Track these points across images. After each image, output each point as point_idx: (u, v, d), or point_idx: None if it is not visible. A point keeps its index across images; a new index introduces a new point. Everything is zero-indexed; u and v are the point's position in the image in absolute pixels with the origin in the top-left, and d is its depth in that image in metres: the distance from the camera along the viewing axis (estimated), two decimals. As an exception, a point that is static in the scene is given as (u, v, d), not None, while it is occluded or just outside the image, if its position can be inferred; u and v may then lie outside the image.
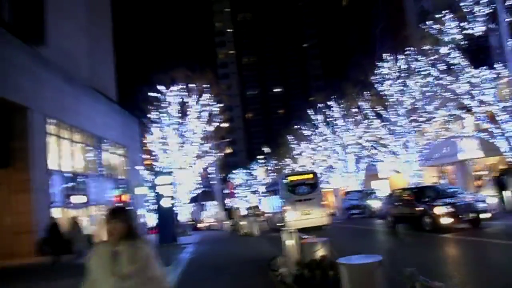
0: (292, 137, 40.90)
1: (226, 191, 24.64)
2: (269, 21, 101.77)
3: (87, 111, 22.56)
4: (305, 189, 14.76)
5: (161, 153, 23.73)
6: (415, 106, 23.21)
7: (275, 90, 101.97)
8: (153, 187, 16.60)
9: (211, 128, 24.34)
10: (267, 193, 21.43)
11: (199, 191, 39.05)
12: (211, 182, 31.74)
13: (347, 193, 26.02)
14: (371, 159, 28.61)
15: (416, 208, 11.28)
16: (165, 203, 16.34)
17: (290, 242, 6.47)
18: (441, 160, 25.77)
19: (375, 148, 27.15)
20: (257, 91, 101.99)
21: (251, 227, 17.59)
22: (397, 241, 11.19)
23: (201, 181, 28.93)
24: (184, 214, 51.39)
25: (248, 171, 61.01)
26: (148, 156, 25.35)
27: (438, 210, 10.37)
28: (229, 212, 42.01)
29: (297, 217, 15.01)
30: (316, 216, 15.11)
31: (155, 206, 16.69)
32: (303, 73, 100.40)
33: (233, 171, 64.60)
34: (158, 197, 16.41)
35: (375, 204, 21.00)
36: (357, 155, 33.13)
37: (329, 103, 33.70)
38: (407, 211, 11.90)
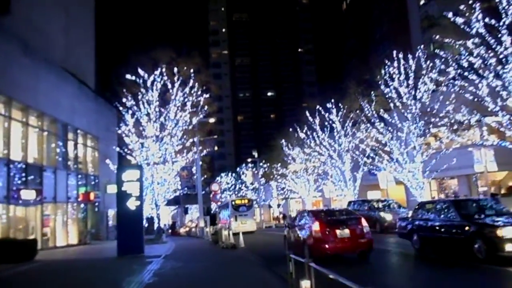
0: (285, 141, 38.06)
1: (212, 193, 21.30)
2: (265, 23, 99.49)
3: (50, 91, 19.32)
4: (244, 208, 20.89)
5: (137, 146, 20.49)
6: (425, 110, 20.58)
7: (267, 94, 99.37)
8: (118, 183, 13.38)
9: (195, 121, 21.20)
10: (221, 208, 30.00)
11: (181, 193, 36.10)
12: (193, 184, 28.52)
13: (351, 202, 22.68)
14: (371, 166, 25.83)
15: (464, 228, 8.29)
16: (131, 204, 13.19)
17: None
18: (445, 173, 23.23)
19: (376, 155, 24.44)
20: (249, 94, 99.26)
21: (235, 237, 14.58)
22: (436, 275, 7.87)
23: (183, 181, 25.74)
24: (163, 217, 48.30)
25: (236, 175, 57.92)
26: (125, 150, 22.05)
27: (502, 232, 7.35)
28: (213, 218, 38.89)
29: (238, 225, 22.06)
30: (249, 225, 22.35)
31: (119, 208, 13.48)
32: (297, 78, 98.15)
33: (221, 174, 61.46)
34: (123, 196, 13.25)
35: (389, 217, 17.96)
36: (355, 162, 30.46)
37: (327, 105, 31.09)
38: (447, 231, 8.98)
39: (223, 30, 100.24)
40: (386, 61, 23.00)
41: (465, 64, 16.33)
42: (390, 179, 25.95)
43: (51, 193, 19.20)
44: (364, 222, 10.30)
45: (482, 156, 18.28)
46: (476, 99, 16.14)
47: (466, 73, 16.13)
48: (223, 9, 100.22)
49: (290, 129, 37.98)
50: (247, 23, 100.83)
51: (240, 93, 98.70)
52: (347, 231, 9.77)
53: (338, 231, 9.75)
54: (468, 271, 7.68)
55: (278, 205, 48.19)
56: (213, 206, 41.90)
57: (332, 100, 30.80)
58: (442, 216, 9.39)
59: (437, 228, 9.44)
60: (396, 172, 23.15)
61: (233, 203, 19.23)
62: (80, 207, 23.33)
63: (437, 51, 16.98)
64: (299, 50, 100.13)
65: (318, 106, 32.02)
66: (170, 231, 40.78)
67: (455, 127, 18.18)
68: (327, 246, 9.53)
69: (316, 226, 9.87)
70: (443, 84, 18.09)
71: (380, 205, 19.49)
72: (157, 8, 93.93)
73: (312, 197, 39.57)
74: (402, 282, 7.80)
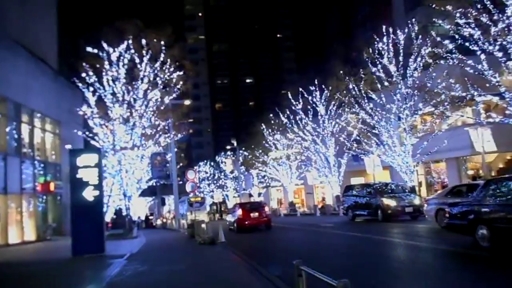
0: (266, 127, 36.20)
1: (190, 178, 19.11)
2: (243, 8, 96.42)
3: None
4: (197, 205, 21.27)
5: (101, 130, 18.09)
6: (419, 86, 19.10)
7: (246, 80, 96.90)
8: (72, 170, 11.14)
9: (168, 100, 18.91)
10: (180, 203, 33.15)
11: (156, 182, 33.75)
12: (168, 173, 26.32)
13: (348, 188, 20.33)
14: (359, 151, 24.34)
15: None
16: (88, 194, 11.01)
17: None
18: (433, 156, 22.00)
19: (363, 138, 22.96)
20: (227, 81, 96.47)
21: (213, 230, 12.68)
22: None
23: (156, 169, 23.48)
24: (138, 209, 45.76)
25: (215, 164, 55.75)
26: (88, 135, 19.58)
27: None
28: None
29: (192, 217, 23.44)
30: (202, 217, 21.76)
31: (73, 198, 11.26)
32: (276, 65, 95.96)
33: (199, 163, 59.15)
34: (78, 185, 11.05)
35: (392, 203, 15.51)
36: (340, 147, 29.00)
37: (310, 88, 29.38)
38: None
39: (200, 14, 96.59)
40: (375, 37, 21.46)
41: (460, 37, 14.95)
42: (377, 164, 24.59)
43: (0, 183, 16.66)
44: (266, 208, 19.31)
45: (478, 136, 16.95)
46: (476, 73, 14.74)
47: (466, 44, 14.64)
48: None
49: (271, 115, 36.22)
50: (225, 8, 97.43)
51: (218, 80, 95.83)
52: (256, 213, 17.56)
53: (251, 214, 17.50)
54: None
55: (259, 194, 46.48)
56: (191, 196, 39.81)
57: (316, 82, 29.24)
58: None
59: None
60: (385, 156, 21.76)
61: (189, 200, 22.17)
62: (38, 199, 20.79)
63: (435, 20, 15.32)
64: (278, 36, 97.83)
65: (300, 89, 30.36)
66: (144, 223, 38.51)
67: (449, 105, 16.80)
68: (246, 222, 17.28)
69: (240, 212, 17.76)
70: (436, 61, 16.61)
71: (382, 189, 17.08)
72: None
73: (294, 185, 38.08)
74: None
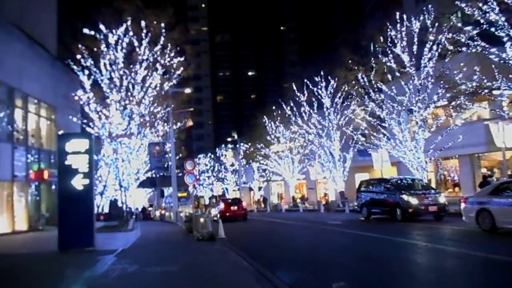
0: (268, 120, 35.16)
1: (189, 169, 18.10)
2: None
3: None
4: (184, 200, 27.22)
5: (96, 116, 17.08)
6: (435, 76, 18.00)
7: (248, 73, 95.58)
8: (60, 156, 10.17)
9: (167, 87, 17.85)
10: (168, 197, 36.35)
11: (155, 173, 32.79)
12: (166, 164, 25.36)
13: (364, 183, 18.29)
14: (368, 144, 23.31)
15: None
16: (77, 182, 10.04)
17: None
18: (446, 153, 20.93)
19: (373, 131, 21.92)
20: (229, 73, 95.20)
21: (213, 226, 11.74)
22: None
23: (154, 160, 22.51)
24: (137, 200, 44.89)
25: (215, 156, 54.74)
26: (84, 121, 18.59)
27: None
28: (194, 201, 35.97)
29: (181, 209, 25.16)
30: (188, 210, 23.99)
31: (61, 187, 10.30)
32: (279, 57, 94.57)
33: (199, 156, 58.19)
34: (66, 172, 10.08)
35: (414, 201, 13.74)
36: (345, 141, 28.00)
37: (315, 79, 28.30)
38: None
39: (203, 5, 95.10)
40: (388, 25, 20.33)
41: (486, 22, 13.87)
42: (385, 159, 23.54)
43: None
44: (243, 203, 24.79)
45: (499, 130, 15.89)
46: (502, 61, 13.68)
47: (492, 30, 13.55)
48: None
49: (274, 107, 35.18)
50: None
51: (220, 72, 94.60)
52: (236, 207, 22.93)
53: (231, 207, 22.82)
54: None
55: (260, 188, 45.57)
56: (191, 189, 38.92)
57: (321, 73, 28.16)
58: None
59: None
60: (396, 151, 20.74)
61: (179, 195, 25.67)
62: (31, 187, 19.86)
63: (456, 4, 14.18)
64: (282, 28, 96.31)
65: (305, 80, 29.30)
66: (141, 215, 37.67)
67: (468, 96, 15.71)
68: (227, 214, 21.87)
69: (222, 205, 23.31)
70: (458, 48, 15.47)
71: (402, 185, 15.30)
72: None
73: (296, 180, 37.11)
74: None
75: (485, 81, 14.12)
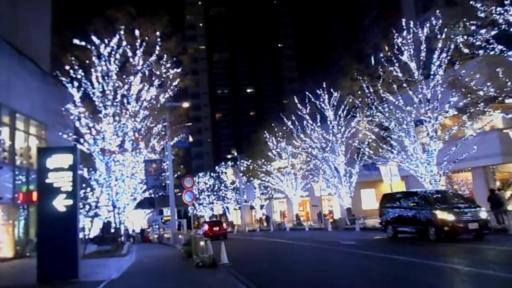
0: (268, 135, 34.09)
1: (187, 186, 16.73)
2: (244, 17, 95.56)
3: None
4: (170, 223, 25.29)
5: (87, 131, 15.92)
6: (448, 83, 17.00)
7: (247, 90, 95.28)
8: (40, 173, 8.97)
9: (163, 99, 16.76)
10: (153, 222, 39.25)
11: (154, 193, 31.44)
12: (163, 183, 24.11)
13: (388, 197, 16.15)
14: (376, 158, 22.13)
15: None
16: (59, 203, 8.80)
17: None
18: (458, 165, 19.74)
19: (382, 144, 20.79)
20: (227, 91, 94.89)
21: (213, 249, 10.42)
22: None
23: (151, 178, 21.25)
24: (135, 222, 43.27)
25: (215, 174, 53.33)
26: (72, 136, 17.41)
27: None
28: (189, 221, 34.46)
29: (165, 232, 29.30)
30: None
31: (41, 209, 9.04)
32: (277, 74, 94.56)
33: (199, 174, 56.79)
34: (47, 191, 8.86)
35: (450, 218, 11.83)
36: (350, 155, 26.85)
37: (318, 91, 27.39)
38: None
39: (200, 24, 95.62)
40: (394, 32, 19.53)
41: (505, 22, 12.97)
42: (394, 173, 22.35)
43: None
44: (224, 224, 32.25)
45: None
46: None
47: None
48: (200, 2, 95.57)
49: (274, 122, 34.17)
50: (225, 17, 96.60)
51: (218, 90, 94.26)
52: (217, 228, 27.45)
53: (214, 228, 27.25)
54: None
55: (261, 206, 44.07)
56: (190, 209, 37.53)
57: (323, 85, 27.27)
58: None
59: None
60: (407, 164, 19.55)
61: (162, 219, 27.96)
62: (18, 210, 18.52)
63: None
64: (279, 45, 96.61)
65: (307, 93, 28.38)
66: (139, 237, 36.07)
67: (485, 103, 14.67)
68: (210, 233, 24.87)
69: (206, 226, 28.56)
70: (474, 51, 14.53)
71: (434, 199, 13.37)
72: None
73: (299, 197, 35.73)
74: None
75: (509, 84, 13.08)
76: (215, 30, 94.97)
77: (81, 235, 26.61)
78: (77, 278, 8.60)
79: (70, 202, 8.86)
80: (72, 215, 8.91)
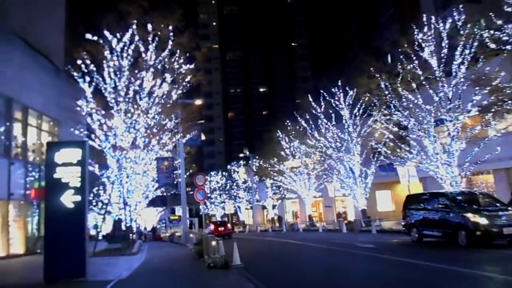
0: (281, 134, 33.57)
1: (199, 184, 16.29)
2: (257, 16, 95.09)
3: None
4: (176, 222, 31.86)
5: (98, 126, 15.70)
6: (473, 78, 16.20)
7: (259, 89, 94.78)
8: (48, 168, 8.70)
9: (176, 95, 16.43)
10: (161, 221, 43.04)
11: (166, 192, 31.29)
12: (175, 181, 23.85)
13: (412, 198, 15.10)
14: (394, 158, 21.43)
15: None
16: (67, 199, 8.52)
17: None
18: (479, 167, 18.93)
19: (401, 144, 20.10)
20: (240, 90, 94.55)
21: (226, 249, 10.00)
22: None
23: (162, 176, 21.01)
24: (148, 220, 43.28)
25: (227, 173, 53.04)
26: (84, 133, 17.24)
27: None
28: (200, 220, 34.23)
29: (173, 231, 31.62)
30: (179, 231, 27.81)
31: (48, 205, 8.78)
32: (291, 73, 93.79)
33: (211, 173, 56.56)
34: (55, 187, 8.59)
35: (483, 221, 10.89)
36: (366, 155, 26.19)
37: (333, 90, 26.78)
38: None
39: (214, 23, 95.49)
40: (414, 28, 18.82)
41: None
42: (412, 174, 21.55)
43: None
44: (229, 224, 33.48)
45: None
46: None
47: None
48: (213, 1, 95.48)
49: (287, 121, 33.64)
50: (239, 16, 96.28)
51: (231, 89, 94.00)
52: (222, 228, 29.36)
53: (219, 228, 28.96)
54: None
55: (274, 206, 43.57)
56: (201, 207, 37.34)
57: (339, 83, 26.66)
58: None
59: None
60: (426, 164, 18.82)
61: (169, 218, 28.82)
62: (30, 206, 18.46)
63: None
64: (293, 44, 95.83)
65: (321, 91, 27.79)
66: (151, 235, 36.00)
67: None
68: (215, 233, 23.60)
69: (211, 226, 29.79)
70: (501, 47, 13.79)
71: (465, 200, 12.44)
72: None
73: (312, 197, 35.11)
74: None
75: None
76: (229, 29, 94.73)
77: (93, 232, 26.91)
78: (85, 277, 8.30)
79: (78, 198, 8.57)
80: (81, 212, 8.62)
